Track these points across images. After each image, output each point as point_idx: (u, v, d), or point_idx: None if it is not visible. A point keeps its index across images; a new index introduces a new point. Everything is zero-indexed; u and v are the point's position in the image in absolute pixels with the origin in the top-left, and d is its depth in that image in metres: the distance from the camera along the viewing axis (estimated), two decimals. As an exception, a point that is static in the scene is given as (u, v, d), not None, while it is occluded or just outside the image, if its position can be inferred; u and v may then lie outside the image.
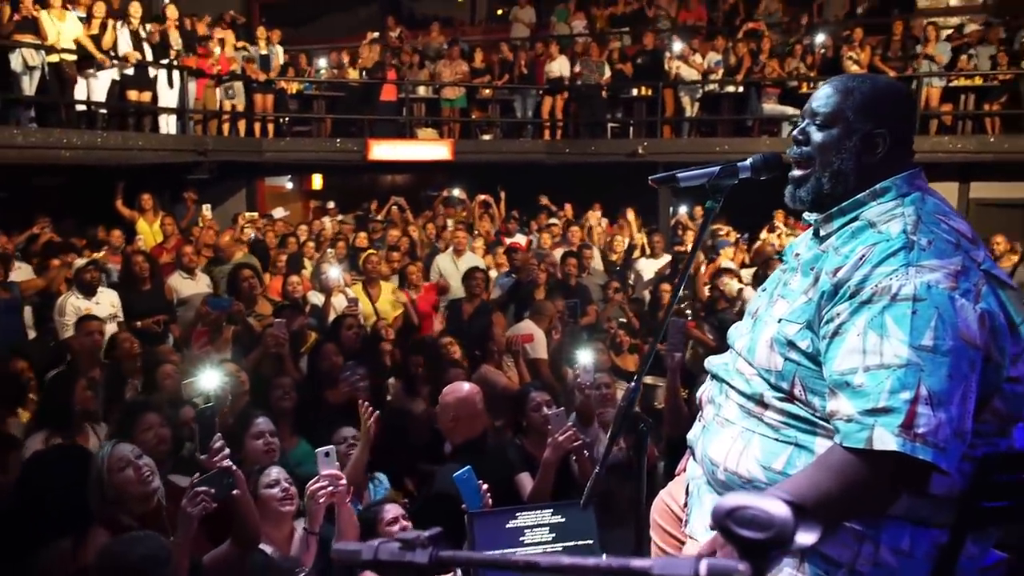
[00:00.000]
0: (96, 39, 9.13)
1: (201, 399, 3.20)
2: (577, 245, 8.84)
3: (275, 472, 3.03)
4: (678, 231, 10.95)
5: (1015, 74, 10.83)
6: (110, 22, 9.26)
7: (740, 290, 7.64)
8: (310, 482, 2.87)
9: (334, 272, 6.80)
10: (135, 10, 9.62)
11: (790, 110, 11.97)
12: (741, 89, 12.01)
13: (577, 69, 12.42)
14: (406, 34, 14.41)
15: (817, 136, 1.69)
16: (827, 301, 1.57)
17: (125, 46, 9.52)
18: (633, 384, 1.78)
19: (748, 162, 1.74)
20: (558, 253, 8.62)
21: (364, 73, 12.31)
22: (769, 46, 12.05)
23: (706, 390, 1.88)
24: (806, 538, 0.78)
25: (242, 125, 11.50)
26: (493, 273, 8.38)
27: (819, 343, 1.57)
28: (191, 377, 3.88)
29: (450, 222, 10.41)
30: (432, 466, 3.96)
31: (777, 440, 1.64)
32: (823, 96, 1.71)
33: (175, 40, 10.27)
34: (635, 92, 12.78)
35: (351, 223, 11.01)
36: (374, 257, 7.24)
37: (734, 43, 12.21)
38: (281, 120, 12.21)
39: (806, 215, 1.78)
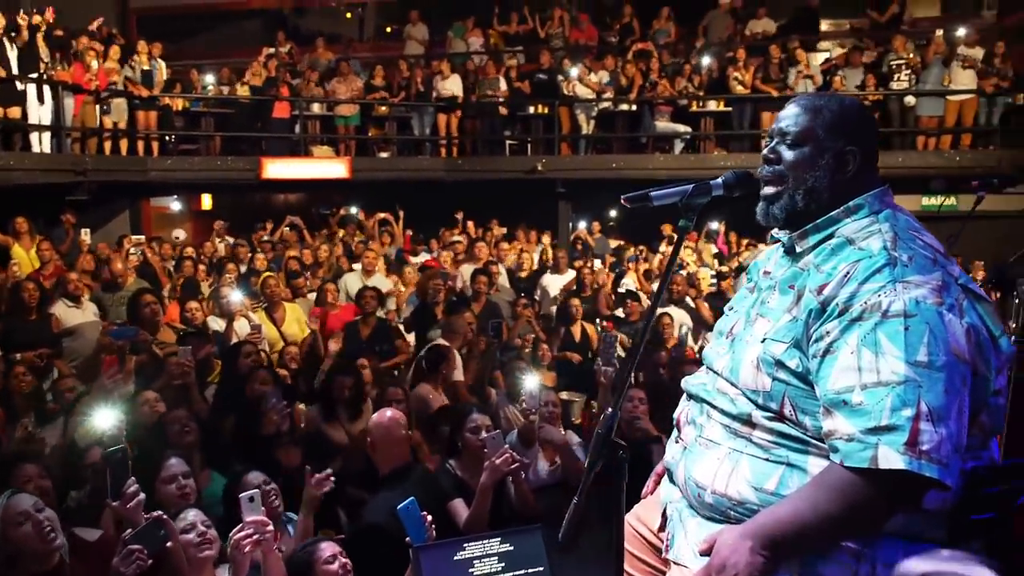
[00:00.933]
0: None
1: (109, 439, 2.93)
2: (484, 262, 8.81)
3: (191, 515, 2.81)
4: (577, 246, 11.10)
5: (884, 94, 11.54)
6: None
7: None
8: (234, 530, 2.67)
9: (235, 296, 6.49)
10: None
11: (681, 127, 12.38)
12: (635, 107, 12.32)
13: (475, 88, 12.44)
14: (297, 51, 14.07)
15: (789, 155, 1.69)
16: (815, 319, 1.55)
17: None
18: (611, 410, 1.72)
19: (720, 180, 1.73)
20: (467, 270, 8.56)
21: (255, 90, 11.90)
22: (659, 66, 12.43)
23: (684, 411, 1.84)
24: None
25: (124, 144, 10.88)
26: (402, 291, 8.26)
27: (808, 362, 1.56)
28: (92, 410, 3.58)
29: (354, 241, 10.19)
30: (362, 493, 3.80)
31: (768, 460, 1.61)
32: (791, 115, 1.71)
33: (44, 52, 9.62)
34: (532, 110, 12.89)
35: (246, 244, 10.59)
36: (271, 280, 6.95)
37: (624, 63, 12.53)
38: (167, 138, 11.64)
39: (775, 232, 1.78)
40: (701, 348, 7.07)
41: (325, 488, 3.21)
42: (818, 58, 12.56)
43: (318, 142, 12.57)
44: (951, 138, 11.53)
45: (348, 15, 20.38)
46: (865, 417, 1.45)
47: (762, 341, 1.65)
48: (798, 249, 1.71)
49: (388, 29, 20.07)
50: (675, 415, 1.90)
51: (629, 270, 9.31)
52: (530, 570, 2.79)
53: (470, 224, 11.35)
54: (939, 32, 12.23)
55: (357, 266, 8.63)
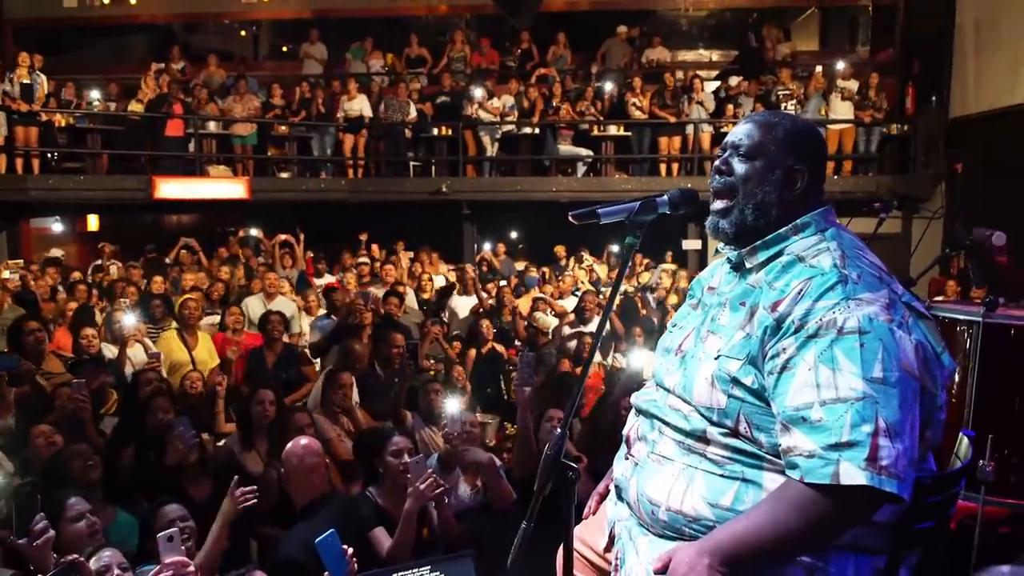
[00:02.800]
0: None
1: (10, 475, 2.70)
2: (391, 284, 8.69)
3: (106, 556, 2.63)
4: (483, 267, 11.11)
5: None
6: None
7: (558, 326, 7.86)
8: (151, 572, 2.49)
9: (128, 320, 6.15)
10: None
11: (583, 151, 12.61)
12: (537, 131, 12.48)
13: (383, 108, 12.32)
14: (189, 68, 13.59)
15: (740, 167, 1.72)
16: (770, 336, 1.57)
17: None
18: (559, 431, 1.69)
19: (665, 198, 1.74)
20: (378, 293, 8.41)
21: (148, 106, 11.41)
22: (562, 90, 12.65)
23: (634, 427, 1.83)
24: None
25: (2, 161, 10.20)
26: (304, 316, 8.03)
27: (764, 379, 1.57)
28: None
29: (253, 264, 9.85)
30: (276, 528, 3.63)
31: (723, 476, 1.61)
32: (745, 130, 1.74)
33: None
34: (436, 132, 12.87)
35: (139, 267, 10.07)
36: (191, 303, 6.61)
37: (526, 87, 12.70)
38: (49, 155, 10.98)
39: (720, 247, 1.80)
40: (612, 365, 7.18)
41: (248, 502, 3.05)
42: (711, 87, 13.10)
43: (214, 161, 12.13)
44: (833, 165, 12.18)
45: (242, 33, 19.85)
46: (825, 433, 1.47)
47: (716, 358, 1.65)
48: (748, 265, 1.73)
49: (284, 48, 19.67)
50: (624, 431, 1.89)
51: (528, 292, 9.41)
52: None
53: (375, 246, 11.19)
54: (819, 68, 12.93)
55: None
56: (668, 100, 12.46)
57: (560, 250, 11.46)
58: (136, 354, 6.10)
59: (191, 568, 2.55)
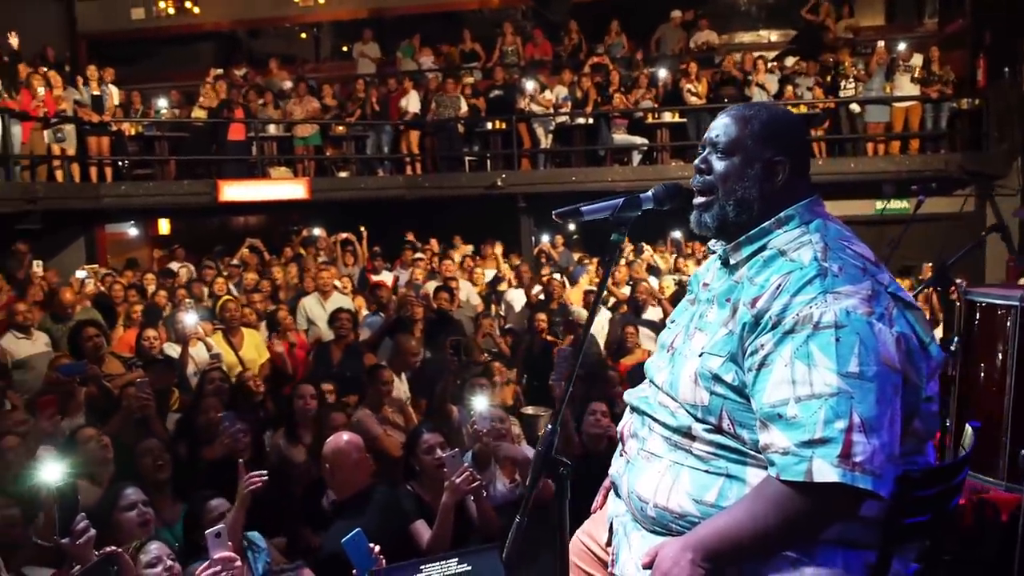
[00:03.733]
0: None
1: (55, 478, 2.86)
2: (445, 278, 8.80)
3: (155, 549, 2.75)
4: (541, 259, 11.13)
5: (836, 102, 11.79)
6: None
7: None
8: (200, 568, 2.60)
9: (190, 319, 6.38)
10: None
11: (638, 139, 12.50)
12: (591, 121, 12.42)
13: (433, 105, 12.44)
14: (251, 72, 13.98)
15: (719, 165, 1.70)
16: (749, 333, 1.56)
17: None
18: (550, 427, 1.72)
19: (650, 193, 1.74)
20: (429, 287, 8.54)
21: (210, 112, 11.80)
22: (616, 79, 12.55)
23: (627, 424, 1.84)
24: None
25: (76, 170, 10.70)
26: (365, 313, 8.21)
27: (744, 375, 1.56)
28: (35, 458, 3.48)
29: (312, 263, 10.08)
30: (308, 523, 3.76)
31: (707, 472, 1.61)
32: (721, 126, 1.71)
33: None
34: (490, 126, 12.94)
35: (213, 267, 10.45)
36: (231, 304, 6.85)
37: (579, 77, 12.64)
38: (120, 163, 11.47)
39: (712, 244, 1.79)
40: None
41: (253, 486, 3.14)
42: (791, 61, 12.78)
43: (275, 163, 12.47)
44: (900, 143, 11.78)
45: (303, 35, 20.29)
46: (799, 430, 1.46)
47: (700, 355, 1.65)
48: (732, 261, 1.72)
49: (344, 48, 20.04)
50: (619, 428, 1.90)
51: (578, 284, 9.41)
52: (488, 592, 2.77)
53: (433, 241, 11.33)
54: (881, 43, 12.50)
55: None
56: (726, 83, 12.23)
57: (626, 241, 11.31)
58: (198, 353, 6.33)
59: (238, 563, 2.65)
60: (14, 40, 10.35)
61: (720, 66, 12.53)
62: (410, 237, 11.13)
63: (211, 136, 11.77)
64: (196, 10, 16.89)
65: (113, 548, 2.46)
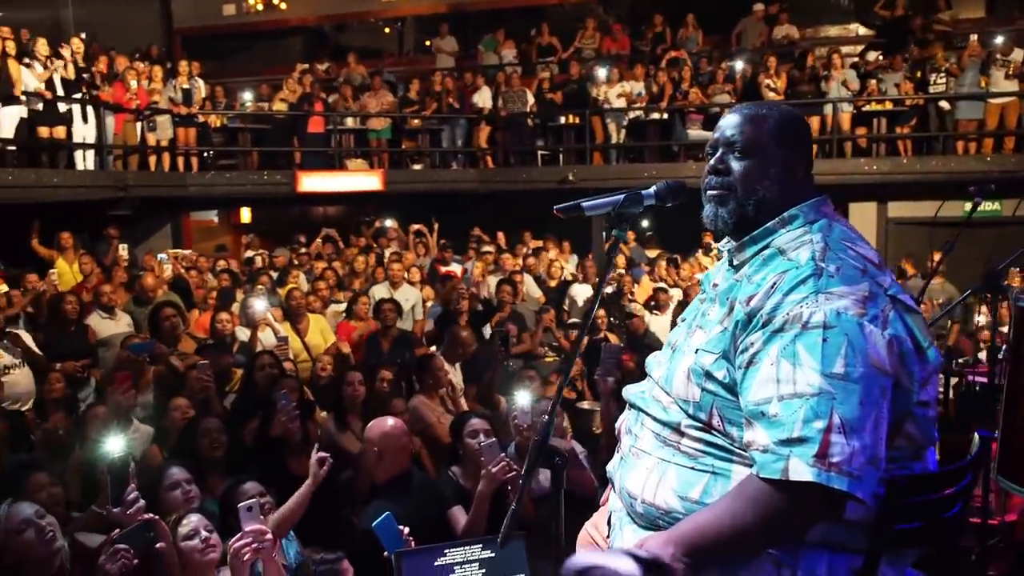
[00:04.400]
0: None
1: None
2: (509, 272, 8.87)
3: (194, 520, 2.90)
4: (612, 254, 11.04)
5: (926, 98, 11.33)
6: (11, 62, 8.98)
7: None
8: (232, 539, 2.74)
9: (259, 305, 6.65)
10: (41, 47, 9.35)
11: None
12: (666, 116, 12.28)
13: (501, 101, 12.53)
14: (333, 67, 14.34)
15: (738, 165, 1.69)
16: (741, 330, 1.56)
17: (32, 82, 9.24)
18: (546, 417, 1.75)
19: (652, 190, 1.74)
20: (493, 281, 8.64)
21: (291, 105, 12.19)
22: (691, 74, 12.37)
23: (624, 420, 1.86)
24: None
25: (166, 159, 11.23)
26: (430, 304, 8.37)
27: (735, 373, 1.57)
28: (107, 431, 3.71)
29: (387, 253, 10.32)
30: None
31: (693, 469, 1.62)
32: (735, 125, 1.70)
33: (87, 73, 10.02)
34: (563, 120, 12.94)
35: (284, 255, 10.83)
36: (297, 292, 7.11)
37: (656, 71, 12.50)
38: (205, 154, 11.97)
39: (720, 245, 1.78)
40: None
41: (323, 467, 3.25)
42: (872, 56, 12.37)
43: (352, 155, 12.78)
44: (992, 142, 11.24)
45: (387, 30, 20.68)
46: (779, 428, 1.45)
47: (695, 351, 1.66)
48: (736, 261, 1.72)
49: (428, 43, 20.35)
50: (617, 424, 1.92)
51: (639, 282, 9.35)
52: (511, 576, 2.82)
53: (500, 234, 11.42)
54: (974, 37, 11.94)
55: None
56: (805, 78, 11.90)
57: (708, 236, 11.11)
58: (267, 337, 6.58)
59: (269, 536, 2.77)
60: (114, 37, 10.89)
61: (800, 60, 12.19)
62: (476, 232, 11.23)
63: (292, 128, 12.15)
64: (283, 6, 17.40)
65: (151, 516, 2.60)
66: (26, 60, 9.26)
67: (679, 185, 1.75)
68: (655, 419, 1.71)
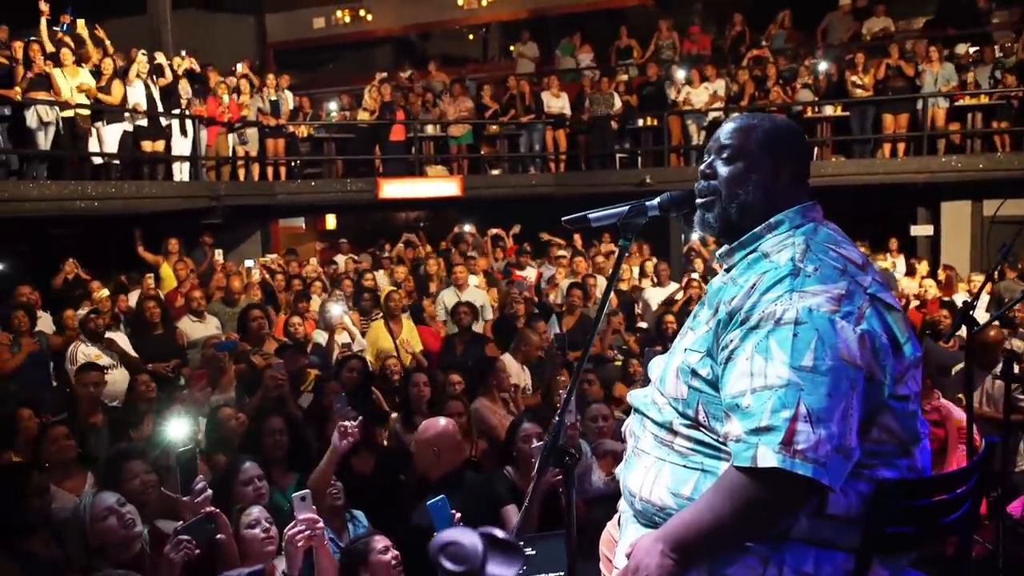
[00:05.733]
0: (105, 93, 9.49)
1: (182, 442, 3.27)
2: (582, 275, 8.92)
3: (256, 512, 3.09)
4: (690, 257, 10.97)
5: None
6: (116, 80, 9.61)
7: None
8: (287, 527, 2.92)
9: (336, 310, 6.92)
10: (142, 64, 9.95)
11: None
12: (746, 115, 12.07)
13: (587, 103, 12.55)
14: (416, 75, 14.70)
15: (724, 170, 1.76)
16: (723, 329, 1.63)
17: (135, 98, 9.84)
18: (557, 418, 1.83)
19: (656, 201, 1.80)
20: (566, 284, 8.70)
21: (373, 114, 12.56)
22: (775, 72, 12.12)
23: (629, 423, 1.93)
24: (501, 569, 0.84)
25: (255, 169, 11.77)
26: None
27: (717, 369, 1.64)
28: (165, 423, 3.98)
29: (458, 258, 10.52)
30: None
31: (685, 467, 1.68)
32: (727, 131, 1.78)
33: (184, 89, 10.61)
34: (641, 123, 12.89)
35: (367, 261, 11.18)
36: (395, 295, 7.35)
37: (737, 70, 12.31)
38: (293, 163, 12.47)
39: (719, 253, 1.84)
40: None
41: (347, 438, 3.41)
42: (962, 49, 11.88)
43: (432, 162, 13.07)
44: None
45: (471, 36, 21.02)
46: (750, 419, 1.52)
47: (684, 351, 1.74)
48: (726, 266, 1.80)
49: (511, 48, 20.60)
50: (623, 428, 1.98)
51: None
52: (551, 574, 2.90)
53: (577, 237, 11.46)
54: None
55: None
56: (896, 73, 11.49)
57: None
58: (343, 340, 6.85)
59: (321, 525, 2.95)
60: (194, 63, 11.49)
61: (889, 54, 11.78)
62: (545, 237, 11.27)
63: (374, 137, 12.53)
64: (369, 17, 17.94)
65: (213, 508, 2.80)
66: (128, 77, 9.87)
67: (684, 195, 1.81)
68: (653, 421, 1.78)
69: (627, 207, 1.79)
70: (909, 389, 1.61)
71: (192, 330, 7.04)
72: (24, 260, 10.41)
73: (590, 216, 1.81)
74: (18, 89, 8.62)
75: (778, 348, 1.52)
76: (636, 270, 10.12)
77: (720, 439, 1.63)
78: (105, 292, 8.34)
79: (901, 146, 11.52)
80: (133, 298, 8.15)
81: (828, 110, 12.02)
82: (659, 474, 1.71)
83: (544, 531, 3.54)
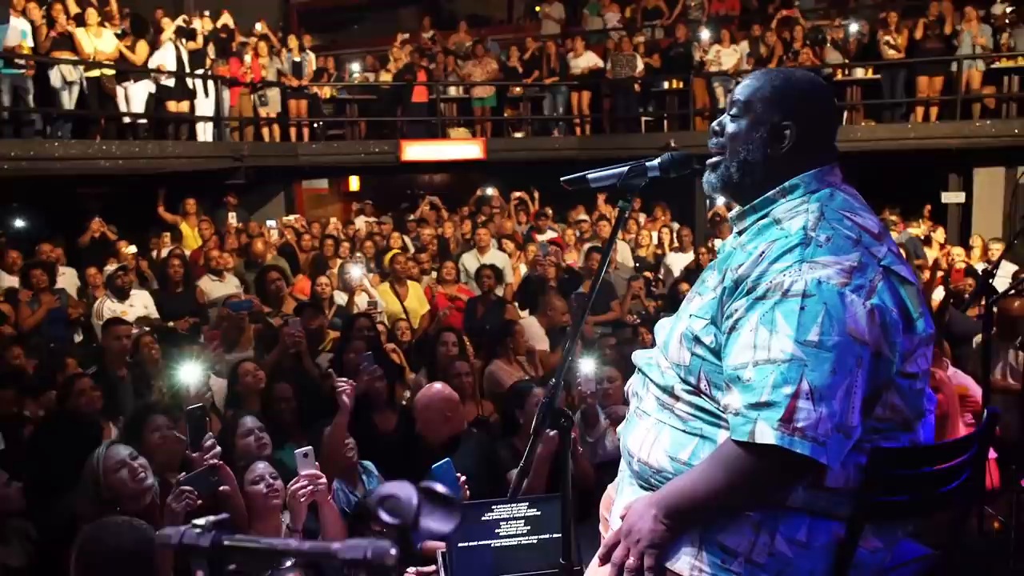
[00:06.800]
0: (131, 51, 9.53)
1: (192, 398, 3.32)
2: (603, 240, 8.88)
3: (260, 467, 3.13)
4: (716, 222, 10.86)
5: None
6: (141, 41, 9.63)
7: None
8: (291, 482, 2.96)
9: (356, 271, 6.95)
10: (168, 25, 9.96)
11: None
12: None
13: (608, 65, 12.38)
14: (438, 35, 14.56)
15: (730, 126, 1.71)
16: (728, 297, 1.59)
17: (160, 60, 9.86)
18: (554, 380, 1.83)
19: (656, 162, 1.77)
20: (586, 248, 8.67)
21: (395, 75, 12.49)
22: (803, 33, 11.85)
23: (632, 383, 1.91)
24: (437, 523, 0.84)
25: (277, 130, 11.78)
26: (523, 269, 8.52)
27: (721, 338, 1.60)
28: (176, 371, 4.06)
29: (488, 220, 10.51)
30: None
31: (684, 431, 1.66)
32: (741, 87, 1.72)
33: (210, 51, 10.62)
34: (666, 85, 12.69)
35: (389, 223, 11.20)
36: (401, 257, 7.38)
37: (765, 32, 12.05)
38: (316, 124, 12.46)
39: (730, 215, 1.79)
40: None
41: (344, 392, 3.48)
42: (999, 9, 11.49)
43: (455, 124, 13.00)
44: None
45: (497, -3, 20.71)
46: (751, 393, 1.49)
47: (689, 317, 1.69)
48: (737, 229, 1.74)
49: (537, 9, 20.27)
50: (626, 387, 1.97)
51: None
52: (554, 535, 2.91)
53: (601, 200, 11.37)
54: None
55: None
56: (932, 34, 11.17)
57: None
58: (363, 302, 6.90)
59: (323, 480, 2.99)
60: (228, 19, 11.45)
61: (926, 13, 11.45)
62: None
63: (396, 98, 12.47)
64: (395, -24, 17.74)
65: (216, 461, 2.85)
66: (160, 40, 9.89)
67: (684, 157, 1.77)
68: (655, 383, 1.76)
69: (626, 167, 1.76)
70: (918, 367, 1.57)
71: (212, 289, 7.13)
72: (51, 217, 10.56)
73: (589, 176, 1.78)
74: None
75: (784, 321, 1.48)
76: (655, 235, 10.06)
77: (720, 407, 1.61)
78: (133, 249, 8.48)
79: (934, 110, 11.24)
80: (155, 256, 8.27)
81: (859, 73, 11.73)
82: (658, 436, 1.70)
83: (551, 492, 3.58)
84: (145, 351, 5.04)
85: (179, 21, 10.14)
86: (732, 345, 1.55)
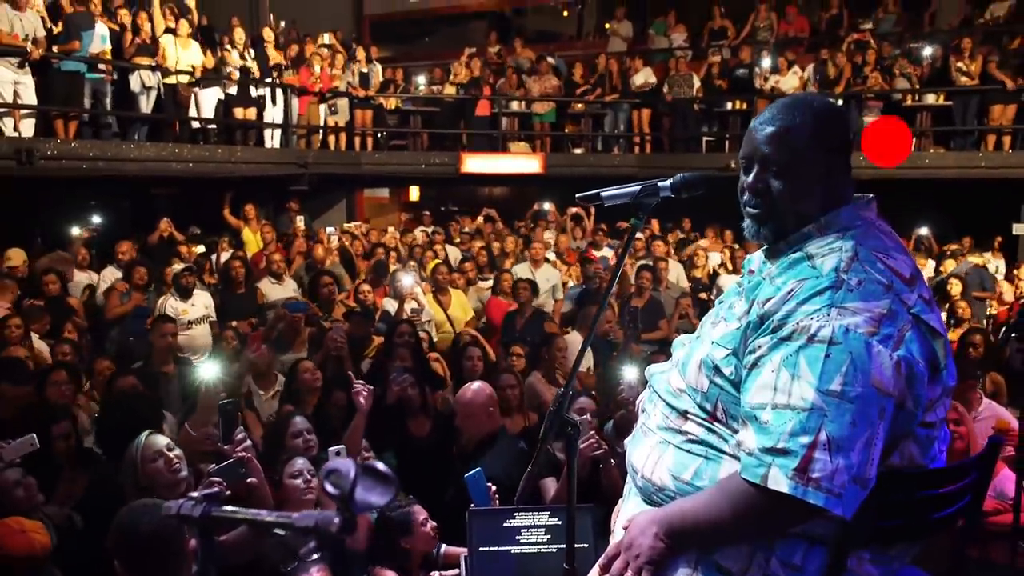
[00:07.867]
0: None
1: (223, 394, 3.46)
2: (654, 259, 8.85)
3: (299, 463, 3.26)
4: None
5: None
6: (224, 52, 10.04)
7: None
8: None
9: (407, 279, 7.10)
10: (239, 36, 10.34)
11: (892, 123, 11.51)
12: (840, 102, 11.66)
13: (666, 87, 12.38)
14: (505, 50, 14.75)
15: (777, 184, 1.64)
16: (753, 331, 1.57)
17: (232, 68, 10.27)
18: (562, 388, 1.88)
19: (668, 182, 1.80)
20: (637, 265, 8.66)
21: (460, 89, 12.70)
22: (875, 57, 11.63)
23: (642, 397, 1.94)
24: (373, 496, 0.91)
25: (343, 139, 12.10)
26: (571, 284, 8.56)
27: (741, 371, 1.59)
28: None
29: (546, 234, 10.59)
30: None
31: (689, 452, 1.67)
32: (770, 140, 1.64)
33: (276, 59, 10.99)
34: (729, 106, 12.61)
35: (442, 234, 11.38)
36: (442, 268, 7.52)
37: (833, 54, 11.88)
38: (379, 134, 12.74)
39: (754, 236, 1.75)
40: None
41: (362, 397, 3.62)
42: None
43: (516, 138, 13.15)
44: None
45: (565, 13, 20.87)
46: (767, 436, 1.48)
47: (712, 344, 1.68)
48: (765, 254, 1.72)
49: (607, 26, 20.33)
50: (637, 401, 2.00)
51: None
52: (576, 545, 2.95)
53: (654, 221, 11.35)
54: None
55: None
56: (1011, 60, 10.86)
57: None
58: (410, 309, 7.03)
59: None
60: (308, 24, 11.82)
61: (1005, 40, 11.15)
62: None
63: (460, 111, 12.68)
64: (463, -8, 18.06)
65: (243, 455, 2.98)
66: (225, 47, 10.29)
67: (697, 178, 1.80)
68: (666, 402, 1.76)
69: (639, 187, 1.81)
70: (936, 416, 1.55)
71: (271, 291, 7.36)
72: (125, 216, 11.04)
73: (603, 194, 1.83)
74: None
75: (807, 367, 1.46)
76: (714, 256, 9.98)
77: (733, 435, 1.61)
78: (201, 248, 8.81)
79: (1007, 139, 10.91)
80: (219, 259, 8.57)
81: (930, 99, 11.47)
82: (663, 455, 1.71)
83: (582, 503, 3.61)
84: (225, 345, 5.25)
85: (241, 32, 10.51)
86: (752, 382, 1.54)
